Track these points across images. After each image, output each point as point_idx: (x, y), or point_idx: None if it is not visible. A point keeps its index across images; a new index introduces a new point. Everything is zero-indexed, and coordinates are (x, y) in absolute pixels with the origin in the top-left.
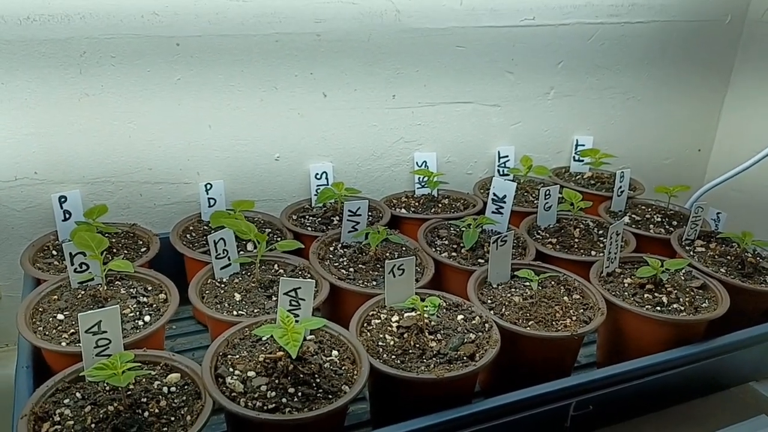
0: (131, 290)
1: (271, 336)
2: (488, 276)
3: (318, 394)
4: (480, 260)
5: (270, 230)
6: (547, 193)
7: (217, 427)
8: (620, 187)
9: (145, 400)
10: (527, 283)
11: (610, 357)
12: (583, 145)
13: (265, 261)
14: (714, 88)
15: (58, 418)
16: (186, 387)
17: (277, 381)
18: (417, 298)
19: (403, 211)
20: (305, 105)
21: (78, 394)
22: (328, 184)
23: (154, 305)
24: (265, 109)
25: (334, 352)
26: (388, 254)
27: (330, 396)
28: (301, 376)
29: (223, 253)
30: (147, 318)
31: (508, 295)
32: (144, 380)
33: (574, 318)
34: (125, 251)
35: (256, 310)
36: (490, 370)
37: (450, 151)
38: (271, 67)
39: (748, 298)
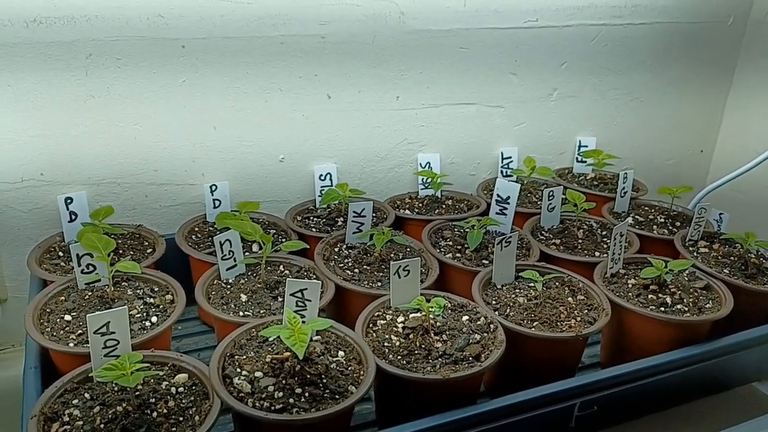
0: (138, 291)
1: (278, 337)
2: (493, 277)
3: (325, 395)
4: (484, 261)
5: (275, 231)
6: (551, 194)
7: (225, 427)
8: (623, 188)
9: (153, 400)
10: (532, 284)
11: (614, 357)
12: (586, 146)
13: (270, 262)
14: (717, 89)
15: (68, 419)
16: (194, 387)
17: (284, 381)
18: (422, 298)
19: (407, 212)
20: (309, 106)
21: (87, 395)
22: (332, 186)
23: (161, 306)
24: (269, 111)
25: (341, 353)
26: (392, 255)
27: (337, 396)
28: (308, 376)
29: (229, 254)
30: (154, 319)
31: (513, 295)
32: (152, 381)
33: (578, 319)
34: (131, 252)
35: (262, 311)
36: (495, 370)
37: (454, 152)
38: (276, 69)
39: (751, 298)
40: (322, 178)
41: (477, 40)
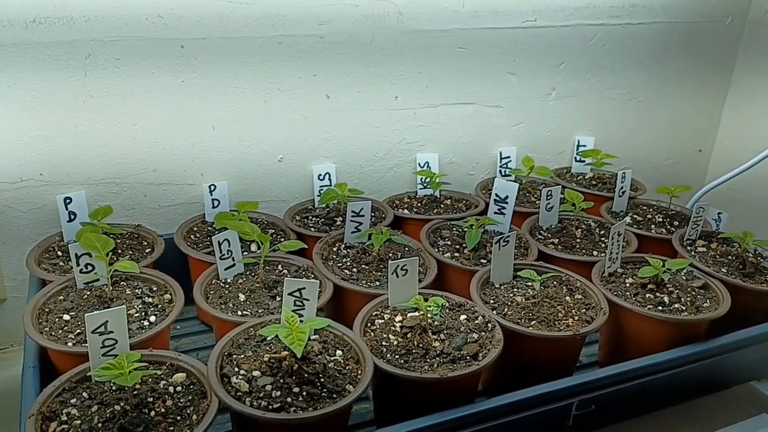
0: (136, 291)
1: (276, 336)
2: (491, 276)
3: (322, 394)
4: (482, 260)
5: (273, 231)
6: (549, 193)
7: (223, 426)
8: (622, 188)
9: (151, 399)
10: (529, 283)
11: (612, 356)
12: (585, 146)
13: (268, 261)
14: (715, 88)
15: (65, 418)
16: (192, 387)
17: (282, 380)
18: (420, 298)
19: (406, 211)
20: (308, 106)
21: (85, 394)
22: (331, 185)
23: (160, 305)
24: (268, 111)
25: (339, 352)
26: (391, 255)
27: (334, 395)
28: (306, 375)
29: (228, 253)
30: (152, 318)
31: (511, 295)
32: (150, 380)
33: (576, 318)
34: (130, 252)
35: (260, 311)
36: (492, 369)
37: (452, 152)
38: (275, 69)
39: (749, 297)
40: (321, 177)
41: (475, 40)
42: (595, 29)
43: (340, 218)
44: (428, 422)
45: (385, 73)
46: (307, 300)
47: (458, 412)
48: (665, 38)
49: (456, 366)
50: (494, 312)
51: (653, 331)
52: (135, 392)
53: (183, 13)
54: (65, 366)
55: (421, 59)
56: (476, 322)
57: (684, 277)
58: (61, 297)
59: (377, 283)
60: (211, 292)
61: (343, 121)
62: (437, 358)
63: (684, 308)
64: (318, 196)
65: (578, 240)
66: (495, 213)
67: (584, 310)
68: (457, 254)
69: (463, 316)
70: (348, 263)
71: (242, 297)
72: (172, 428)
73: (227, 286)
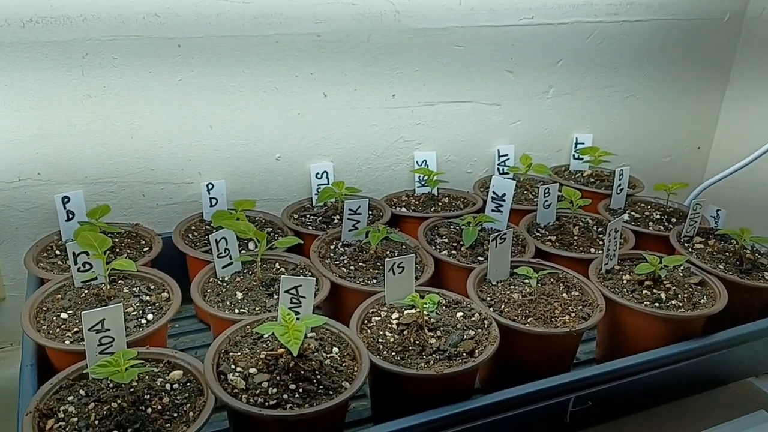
0: (134, 289)
1: (273, 333)
2: (488, 273)
3: (319, 391)
4: (479, 258)
5: (271, 229)
6: (547, 191)
7: (220, 423)
8: (619, 185)
9: (148, 396)
10: (526, 281)
11: (609, 353)
12: (583, 144)
13: (266, 260)
14: (713, 86)
15: (63, 415)
16: (188, 384)
17: (278, 378)
18: (417, 295)
19: (404, 209)
20: (306, 105)
21: (82, 392)
22: (328, 184)
23: (157, 304)
24: (265, 110)
25: (335, 349)
26: (388, 252)
27: (330, 392)
28: (302, 372)
29: (225, 252)
30: (150, 316)
31: (508, 292)
32: (147, 377)
33: (573, 314)
34: (128, 251)
35: (257, 308)
36: (489, 366)
37: (450, 150)
38: (272, 68)
39: (746, 294)
40: (319, 176)
41: (473, 38)
42: (593, 27)
43: (338, 216)
44: (425, 419)
45: (382, 71)
46: (304, 297)
47: (455, 408)
48: (663, 35)
49: (452, 363)
50: (491, 309)
51: (650, 327)
52: (132, 389)
53: (180, 12)
54: (63, 364)
55: (419, 57)
56: (473, 319)
57: (681, 274)
58: (59, 295)
59: (374, 281)
60: (209, 291)
61: (340, 119)
62: (433, 355)
63: (681, 305)
64: (315, 194)
65: (576, 237)
66: (492, 211)
67: (581, 306)
68: (454, 252)
69: (459, 314)
70: (345, 261)
71: (239, 295)
72: (168, 425)
73: (225, 284)
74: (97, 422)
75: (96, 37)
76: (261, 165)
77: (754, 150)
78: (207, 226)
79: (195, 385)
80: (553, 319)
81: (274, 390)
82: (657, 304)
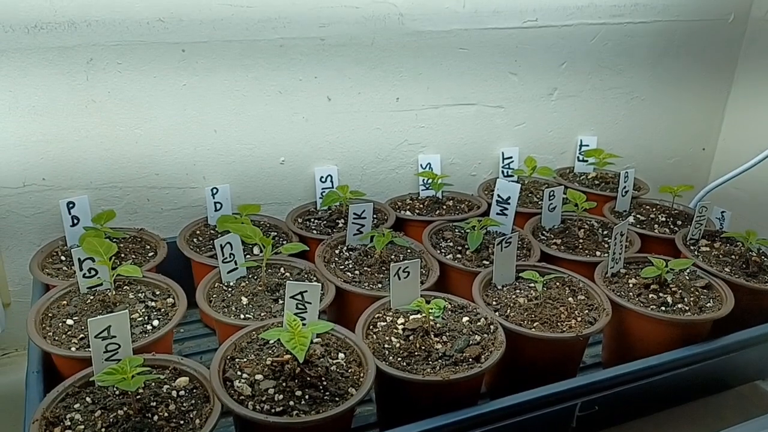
0: (139, 295)
1: (279, 339)
2: (493, 277)
3: (325, 397)
4: (485, 262)
5: (276, 233)
6: (552, 194)
7: (226, 430)
8: (624, 187)
9: (154, 404)
10: (532, 285)
11: (616, 357)
12: (588, 146)
13: (271, 264)
14: (718, 87)
15: (69, 423)
16: (194, 391)
17: (284, 384)
18: (422, 300)
19: (408, 213)
20: (310, 109)
21: (88, 399)
22: (333, 187)
23: (163, 309)
24: (270, 113)
25: (341, 355)
26: (393, 257)
27: (337, 399)
28: (308, 379)
29: (230, 257)
30: (155, 322)
31: (513, 296)
32: (153, 384)
33: (579, 319)
34: (133, 256)
35: (263, 314)
36: (495, 371)
37: (454, 152)
38: (276, 72)
39: (752, 297)
40: (323, 180)
41: (477, 40)
42: (597, 28)
43: (342, 220)
44: (431, 425)
45: (386, 74)
46: (309, 303)
47: (461, 414)
48: (667, 37)
49: (458, 368)
50: (497, 314)
51: (656, 331)
52: (138, 397)
53: (184, 17)
54: (69, 370)
55: (423, 60)
56: (478, 324)
57: (687, 277)
58: (65, 302)
59: (379, 286)
60: (214, 296)
61: (344, 123)
62: (439, 361)
63: (687, 308)
64: (320, 198)
65: (581, 240)
66: (497, 214)
67: (587, 311)
68: (459, 256)
69: (465, 318)
70: (350, 266)
71: (245, 300)
72: None
73: (230, 289)
74: (103, 430)
75: (100, 43)
76: (265, 169)
77: (759, 151)
78: (212, 231)
79: (201, 392)
80: (559, 324)
81: (281, 396)
82: (663, 308)
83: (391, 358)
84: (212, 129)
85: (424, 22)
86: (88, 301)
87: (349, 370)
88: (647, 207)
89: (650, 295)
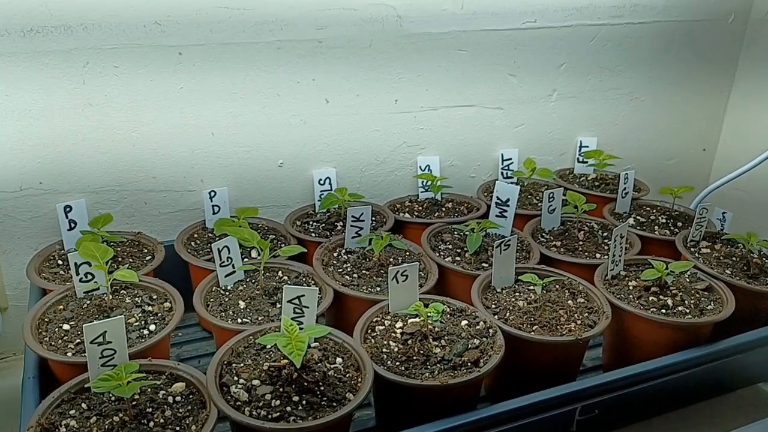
0: (136, 299)
1: (276, 344)
2: (492, 280)
3: (322, 402)
4: (484, 264)
5: (274, 236)
6: (551, 195)
7: None
8: (624, 189)
9: (150, 410)
10: (531, 287)
11: (616, 360)
12: (587, 147)
13: (269, 268)
14: (718, 87)
15: (64, 430)
16: (191, 396)
17: (281, 389)
18: (420, 304)
19: (407, 215)
20: (308, 111)
21: (84, 405)
22: (331, 190)
23: (159, 314)
24: (267, 116)
25: (339, 360)
26: (391, 260)
27: (334, 404)
28: (306, 384)
29: (228, 260)
30: (152, 327)
31: (512, 299)
32: (149, 390)
33: (578, 322)
34: (130, 260)
35: (260, 318)
36: (494, 375)
37: (453, 154)
38: (274, 74)
39: (753, 299)
40: (322, 182)
41: (475, 42)
42: (596, 29)
43: (341, 223)
44: (429, 430)
45: (384, 76)
46: (307, 307)
47: (460, 419)
48: (667, 37)
49: (457, 373)
50: (496, 317)
51: (657, 334)
52: (134, 403)
53: (180, 19)
54: (65, 376)
55: (421, 62)
56: (477, 327)
57: (688, 279)
58: (61, 306)
59: (378, 289)
60: (212, 300)
61: (342, 125)
62: (438, 365)
63: (688, 311)
64: (318, 201)
65: (581, 242)
66: (496, 216)
67: (587, 314)
68: (458, 258)
69: (464, 322)
70: (348, 269)
71: (242, 304)
72: None
73: (227, 293)
74: None
75: (97, 46)
76: (263, 172)
77: (759, 151)
78: (209, 234)
79: (197, 398)
80: (558, 327)
81: (278, 402)
82: (664, 311)
83: (389, 362)
84: (209, 132)
85: (422, 24)
86: (85, 305)
87: (347, 375)
88: (647, 208)
89: (650, 298)
